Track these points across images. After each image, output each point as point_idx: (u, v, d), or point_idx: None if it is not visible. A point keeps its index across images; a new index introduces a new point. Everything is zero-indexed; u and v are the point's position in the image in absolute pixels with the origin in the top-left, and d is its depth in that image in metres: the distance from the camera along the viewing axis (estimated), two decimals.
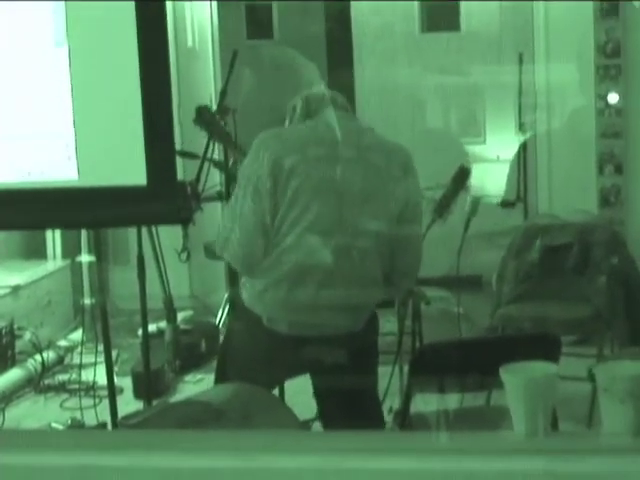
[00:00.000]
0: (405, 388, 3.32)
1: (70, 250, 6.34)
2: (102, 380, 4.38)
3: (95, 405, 4.64)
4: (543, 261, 4.87)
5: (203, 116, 4.25)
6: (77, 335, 5.76)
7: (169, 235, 4.61)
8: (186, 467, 1.83)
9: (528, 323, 4.68)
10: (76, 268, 6.29)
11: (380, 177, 3.29)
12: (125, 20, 2.03)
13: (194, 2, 6.88)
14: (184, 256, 4.35)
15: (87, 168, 2.12)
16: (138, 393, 4.95)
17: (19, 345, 5.51)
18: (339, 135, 3.33)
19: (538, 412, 1.81)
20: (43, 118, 2.14)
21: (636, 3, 5.88)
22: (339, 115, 3.37)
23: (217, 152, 4.89)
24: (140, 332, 4.72)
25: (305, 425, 3.72)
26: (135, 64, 2.04)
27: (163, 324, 5.45)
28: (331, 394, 3.42)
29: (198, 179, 4.52)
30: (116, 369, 4.88)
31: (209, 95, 6.75)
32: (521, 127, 6.67)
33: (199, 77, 6.89)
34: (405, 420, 3.20)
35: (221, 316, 5.86)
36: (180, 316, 5.69)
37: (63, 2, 2.07)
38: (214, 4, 7.04)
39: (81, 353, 4.91)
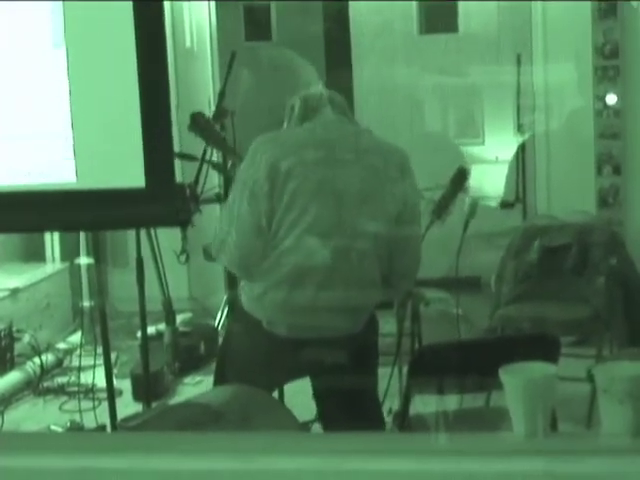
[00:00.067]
0: (404, 389, 3.32)
1: (69, 252, 6.34)
2: (101, 382, 4.39)
3: (94, 407, 4.64)
4: (542, 262, 4.87)
5: (198, 122, 4.25)
6: (76, 338, 5.76)
7: (168, 237, 4.61)
8: (185, 469, 1.83)
9: (527, 324, 4.68)
10: (75, 271, 6.29)
11: (378, 179, 3.29)
12: (123, 21, 2.03)
13: (192, 3, 6.87)
14: (183, 258, 4.36)
15: (86, 170, 2.12)
16: (137, 395, 4.95)
17: (18, 348, 5.51)
18: (336, 138, 3.33)
19: (537, 413, 1.81)
20: (41, 120, 2.14)
21: (634, 4, 5.88)
22: (336, 118, 3.38)
23: (215, 154, 4.89)
24: (139, 334, 4.72)
25: (304, 426, 3.72)
26: (133, 65, 2.04)
27: (162, 326, 5.45)
28: (331, 395, 3.42)
29: (197, 181, 4.53)
30: (115, 371, 4.88)
31: (207, 96, 6.75)
32: (519, 128, 6.67)
33: (197, 78, 6.88)
34: (404, 421, 3.20)
35: (220, 318, 5.85)
36: (179, 318, 5.68)
37: (61, 3, 2.07)
38: (212, 5, 7.04)
39: (80, 355, 4.92)
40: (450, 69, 7.06)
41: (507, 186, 6.73)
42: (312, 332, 3.25)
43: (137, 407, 4.65)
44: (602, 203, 6.21)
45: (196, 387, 5.16)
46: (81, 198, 2.14)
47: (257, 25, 8.22)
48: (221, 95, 5.16)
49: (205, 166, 4.65)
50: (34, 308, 5.93)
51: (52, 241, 6.46)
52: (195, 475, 1.83)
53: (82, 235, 5.32)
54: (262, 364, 3.33)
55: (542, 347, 3.06)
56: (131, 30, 2.03)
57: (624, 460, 1.74)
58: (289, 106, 3.45)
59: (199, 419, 2.52)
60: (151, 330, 5.18)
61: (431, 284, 4.49)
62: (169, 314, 5.31)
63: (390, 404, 3.84)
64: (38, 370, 5.35)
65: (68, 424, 4.64)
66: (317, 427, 3.75)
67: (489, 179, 6.71)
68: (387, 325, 4.23)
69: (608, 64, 6.11)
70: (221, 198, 4.85)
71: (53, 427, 4.62)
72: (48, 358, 5.51)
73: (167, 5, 6.20)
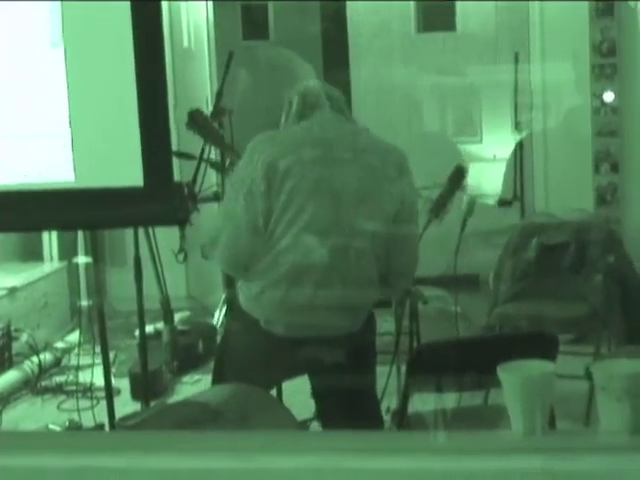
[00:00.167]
0: (403, 388, 3.32)
1: (67, 252, 6.33)
2: (99, 381, 4.39)
3: (92, 406, 4.64)
4: (540, 260, 4.88)
5: (196, 120, 4.24)
6: (74, 337, 5.75)
7: (166, 236, 4.61)
8: (184, 468, 1.83)
9: (525, 322, 4.69)
10: (73, 270, 6.28)
11: (375, 178, 3.29)
12: (121, 21, 2.03)
13: (190, 2, 6.87)
14: (181, 257, 4.36)
15: (84, 169, 2.12)
16: (136, 394, 4.95)
17: (16, 347, 5.51)
18: (334, 137, 3.33)
19: (535, 411, 1.81)
20: (39, 119, 2.14)
21: (631, 3, 5.89)
22: (334, 116, 3.38)
23: (214, 153, 4.89)
24: (137, 333, 4.72)
25: (303, 425, 3.72)
26: (131, 65, 2.04)
27: (160, 325, 5.45)
28: (329, 394, 3.42)
29: (195, 180, 4.52)
30: (113, 370, 4.87)
31: (205, 96, 6.75)
32: (517, 126, 6.68)
33: (195, 78, 6.88)
34: (403, 420, 3.20)
35: (218, 317, 5.85)
36: (177, 317, 5.68)
37: (59, 2, 2.07)
38: (210, 5, 7.04)
39: (78, 355, 4.92)
40: (448, 68, 7.07)
41: (505, 184, 6.73)
42: (310, 331, 3.25)
43: (135, 406, 4.65)
44: (600, 201, 6.21)
45: (194, 386, 5.16)
46: (79, 197, 2.14)
47: (255, 25, 8.22)
48: (219, 95, 5.16)
49: (203, 165, 4.64)
50: (32, 307, 5.93)
51: (50, 240, 6.46)
52: (194, 474, 1.83)
53: (80, 234, 5.32)
54: (260, 363, 3.33)
55: (540, 345, 3.06)
56: (129, 29, 2.03)
57: (622, 458, 1.74)
58: (287, 102, 3.45)
59: (197, 418, 2.52)
60: (149, 329, 5.18)
61: (429, 282, 4.49)
62: (167, 313, 5.31)
63: (388, 402, 3.84)
64: (36, 369, 5.35)
65: (66, 423, 4.63)
66: (316, 426, 3.75)
67: (487, 177, 6.72)
68: (385, 323, 4.24)
69: (605, 62, 6.11)
70: (219, 197, 4.85)
71: (51, 426, 4.62)
72: (46, 357, 5.51)
73: (165, 5, 6.18)
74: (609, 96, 6.12)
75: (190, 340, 5.55)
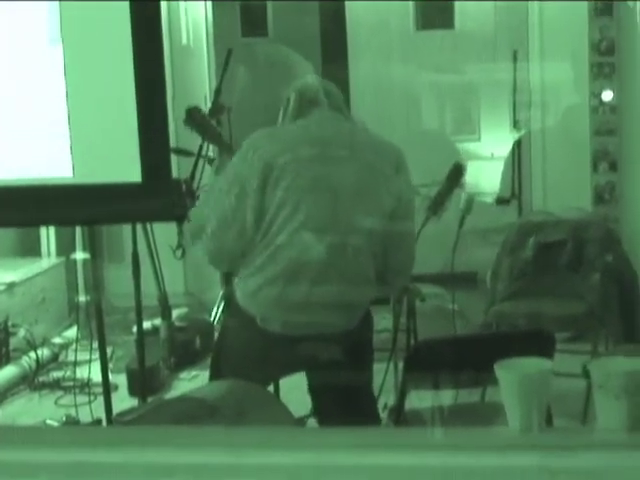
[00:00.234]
0: (400, 385, 3.32)
1: (64, 247, 6.33)
2: (97, 377, 4.39)
3: (90, 402, 4.65)
4: (537, 258, 4.88)
5: (193, 117, 4.24)
6: (72, 332, 5.76)
7: (164, 232, 4.61)
8: (181, 463, 1.83)
9: (522, 320, 4.68)
10: (71, 265, 6.28)
11: (372, 175, 3.29)
12: (120, 18, 2.03)
13: (188, 0, 6.87)
14: (179, 253, 4.34)
15: (82, 165, 2.12)
16: (133, 390, 4.95)
17: (13, 342, 5.51)
18: (331, 135, 3.33)
19: (532, 408, 1.81)
20: (38, 116, 2.14)
21: (630, 2, 5.89)
22: (331, 114, 3.37)
23: (212, 149, 4.89)
24: (135, 329, 4.72)
25: (300, 421, 3.72)
26: (130, 62, 2.04)
27: (158, 321, 5.45)
28: (326, 391, 3.42)
29: (193, 176, 4.51)
30: (111, 366, 4.88)
31: (204, 93, 6.75)
32: (515, 124, 6.68)
33: (194, 75, 6.88)
34: (400, 416, 3.20)
35: (216, 313, 5.85)
36: (175, 313, 5.69)
37: (57, 0, 2.07)
38: (208, 2, 7.04)
39: (76, 350, 4.91)
40: (446, 66, 7.07)
41: (503, 182, 6.73)
42: (307, 328, 3.25)
43: (133, 402, 4.65)
44: (598, 200, 6.21)
45: (192, 382, 5.17)
46: (77, 193, 2.14)
47: (253, 22, 8.22)
48: (217, 92, 5.15)
49: (201, 161, 4.64)
50: (30, 303, 5.93)
51: (48, 236, 6.46)
52: (190, 469, 1.84)
53: (78, 230, 5.32)
54: (257, 360, 3.33)
55: (537, 343, 3.06)
56: (128, 27, 2.03)
57: (619, 455, 1.75)
58: (285, 98, 3.45)
59: (194, 413, 2.53)
60: (147, 325, 5.18)
61: (427, 280, 4.50)
62: (165, 309, 5.32)
63: (385, 399, 3.85)
64: (34, 365, 5.35)
65: (64, 418, 4.64)
66: (312, 422, 3.75)
67: (485, 175, 6.72)
68: (383, 321, 4.24)
69: (604, 61, 6.11)
70: None
71: (49, 421, 4.62)
72: (44, 353, 5.51)
73: (163, 2, 6.19)
74: (607, 95, 6.12)
75: (187, 336, 5.55)
